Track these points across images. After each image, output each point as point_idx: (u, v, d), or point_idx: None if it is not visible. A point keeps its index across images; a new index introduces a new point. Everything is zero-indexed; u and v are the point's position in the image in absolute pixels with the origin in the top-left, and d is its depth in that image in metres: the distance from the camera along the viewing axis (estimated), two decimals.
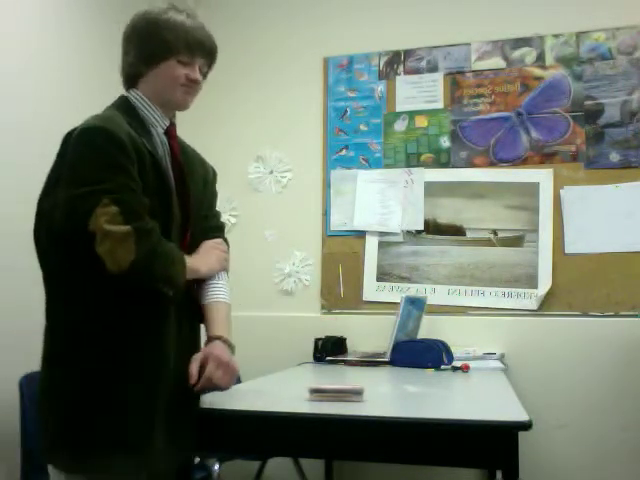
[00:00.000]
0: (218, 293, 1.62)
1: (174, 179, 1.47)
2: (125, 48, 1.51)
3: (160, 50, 1.45)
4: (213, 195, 1.68)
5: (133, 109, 1.47)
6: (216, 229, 1.66)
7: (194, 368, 1.39)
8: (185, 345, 1.45)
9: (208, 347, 1.46)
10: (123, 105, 1.47)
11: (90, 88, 2.61)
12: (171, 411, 1.36)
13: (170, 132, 1.52)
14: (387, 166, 2.99)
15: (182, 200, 1.47)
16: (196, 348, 1.50)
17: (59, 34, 2.52)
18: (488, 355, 2.53)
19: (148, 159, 1.37)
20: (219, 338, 1.48)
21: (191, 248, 1.51)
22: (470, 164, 2.90)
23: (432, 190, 2.92)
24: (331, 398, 1.48)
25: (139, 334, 1.34)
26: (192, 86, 1.49)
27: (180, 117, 3.47)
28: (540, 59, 2.86)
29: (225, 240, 1.70)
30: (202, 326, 1.56)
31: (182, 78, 1.46)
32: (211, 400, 1.53)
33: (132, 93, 1.50)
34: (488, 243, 2.83)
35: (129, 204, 1.29)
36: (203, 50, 1.49)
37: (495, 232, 2.83)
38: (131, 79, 1.50)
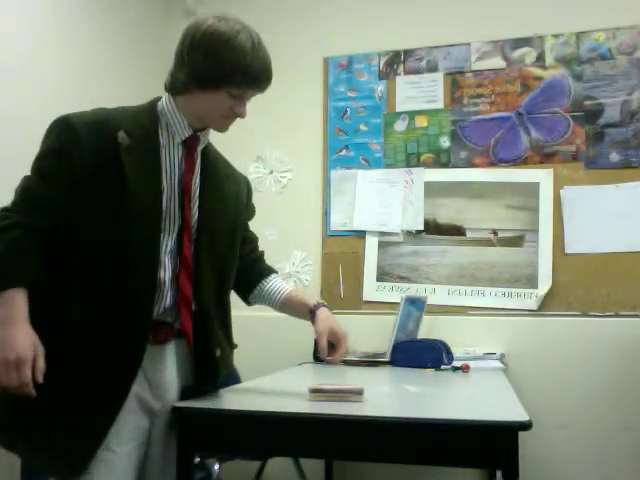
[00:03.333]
0: (280, 287, 1.78)
1: (183, 189, 1.46)
2: (177, 60, 1.44)
3: (214, 80, 1.39)
4: (250, 212, 1.72)
5: (155, 113, 1.46)
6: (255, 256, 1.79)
7: (324, 342, 1.56)
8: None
9: (324, 319, 1.65)
10: (147, 106, 1.48)
11: (91, 86, 2.62)
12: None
13: (188, 143, 1.48)
14: (387, 166, 2.99)
15: (182, 209, 1.46)
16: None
17: (59, 33, 2.52)
18: (488, 355, 2.53)
19: (110, 150, 1.36)
20: (322, 304, 1.67)
21: (199, 258, 1.50)
22: (470, 164, 2.90)
23: (432, 190, 2.92)
24: (331, 398, 1.48)
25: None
26: (233, 117, 1.46)
27: None
28: (540, 59, 2.86)
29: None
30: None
31: (226, 110, 1.43)
32: (211, 400, 1.54)
33: (165, 100, 1.48)
34: (488, 243, 2.83)
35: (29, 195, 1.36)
36: (258, 86, 1.44)
37: (495, 232, 2.83)
38: (175, 90, 1.46)
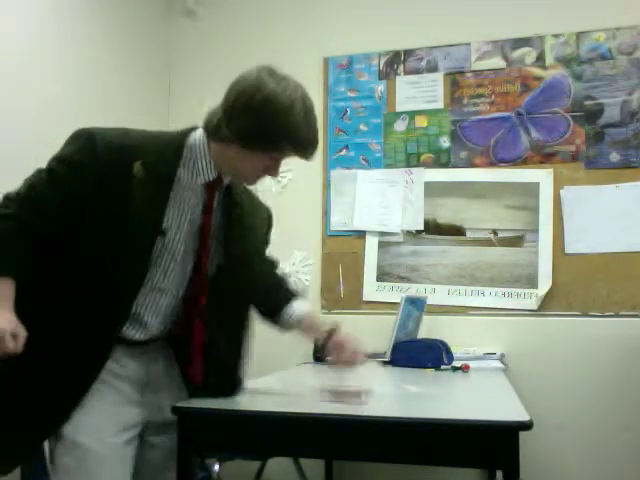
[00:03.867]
0: (294, 307, 1.72)
1: (205, 227, 1.45)
2: (228, 111, 1.36)
3: (262, 143, 1.36)
4: (265, 243, 1.72)
5: (182, 147, 1.43)
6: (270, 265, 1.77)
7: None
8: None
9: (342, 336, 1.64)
10: (177, 138, 1.45)
11: (91, 86, 2.62)
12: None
13: (210, 187, 1.45)
14: (387, 166, 2.99)
15: (198, 250, 1.46)
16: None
17: (59, 33, 2.52)
18: (488, 355, 2.53)
19: (122, 180, 1.35)
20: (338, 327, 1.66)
21: (220, 294, 1.51)
22: (470, 164, 2.90)
23: (432, 190, 2.92)
24: (341, 400, 1.46)
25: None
26: (264, 177, 1.44)
27: (179, 117, 3.46)
28: (540, 59, 2.86)
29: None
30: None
31: (262, 170, 1.42)
32: (211, 400, 1.53)
33: (198, 137, 1.44)
34: (488, 243, 2.83)
35: (34, 192, 1.36)
36: (305, 153, 1.42)
37: (495, 232, 2.83)
38: (213, 134, 1.41)
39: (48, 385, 1.36)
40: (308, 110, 1.37)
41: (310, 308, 1.76)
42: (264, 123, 1.34)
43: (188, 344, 1.48)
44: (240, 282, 1.53)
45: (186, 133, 1.45)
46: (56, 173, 1.37)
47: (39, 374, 1.35)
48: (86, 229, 1.36)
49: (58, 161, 1.39)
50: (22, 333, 1.30)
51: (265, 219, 1.70)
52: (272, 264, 1.78)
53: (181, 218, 1.43)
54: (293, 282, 3.02)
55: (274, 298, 1.71)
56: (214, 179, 1.44)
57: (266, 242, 1.73)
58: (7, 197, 1.37)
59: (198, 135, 1.44)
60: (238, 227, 1.53)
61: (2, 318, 1.28)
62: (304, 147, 1.39)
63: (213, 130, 1.40)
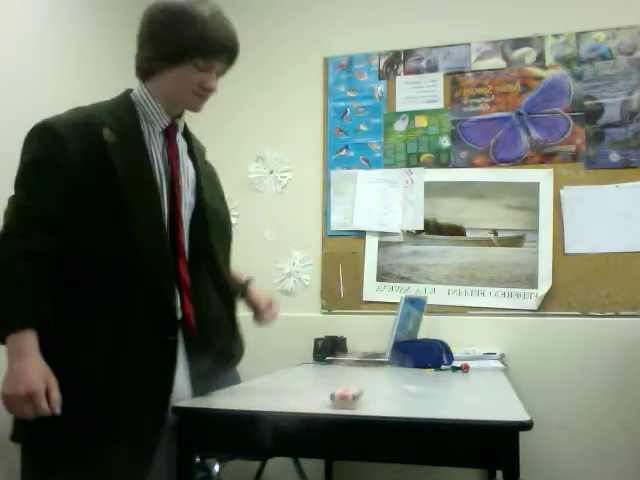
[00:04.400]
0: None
1: (168, 179, 1.44)
2: (140, 40, 1.42)
3: (177, 52, 1.37)
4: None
5: (131, 104, 1.44)
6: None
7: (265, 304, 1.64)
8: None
9: (257, 291, 1.67)
10: (121, 99, 1.46)
11: (90, 86, 2.61)
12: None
13: (168, 132, 1.47)
14: (387, 166, 2.99)
15: (171, 198, 1.44)
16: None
17: (59, 33, 2.51)
18: (488, 355, 2.53)
19: (97, 150, 1.33)
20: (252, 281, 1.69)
21: (202, 239, 1.51)
22: (470, 164, 2.90)
23: (432, 190, 2.92)
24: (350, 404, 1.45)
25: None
26: (204, 94, 1.43)
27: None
28: (540, 59, 2.86)
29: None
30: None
31: (196, 85, 1.40)
32: (211, 400, 1.54)
33: (138, 88, 1.46)
34: (488, 243, 2.83)
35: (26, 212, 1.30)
36: (224, 54, 1.42)
37: (495, 232, 2.83)
38: (143, 73, 1.44)
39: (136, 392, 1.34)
40: (214, 10, 1.40)
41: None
42: (170, 30, 1.36)
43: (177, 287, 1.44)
44: (216, 224, 1.55)
45: (127, 92, 1.47)
46: (30, 182, 1.32)
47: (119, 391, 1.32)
48: (87, 222, 1.33)
49: (25, 171, 1.34)
50: (54, 383, 1.25)
51: (214, 171, 1.72)
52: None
53: (159, 172, 1.43)
54: (293, 282, 3.05)
55: None
56: (169, 124, 1.45)
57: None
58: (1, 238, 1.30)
59: (137, 87, 1.46)
60: (202, 160, 1.57)
61: (30, 369, 1.23)
62: (217, 45, 1.39)
63: (140, 69, 1.44)
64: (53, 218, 1.31)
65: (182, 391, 1.49)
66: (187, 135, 1.58)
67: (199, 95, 1.43)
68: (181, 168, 1.48)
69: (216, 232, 1.54)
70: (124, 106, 1.44)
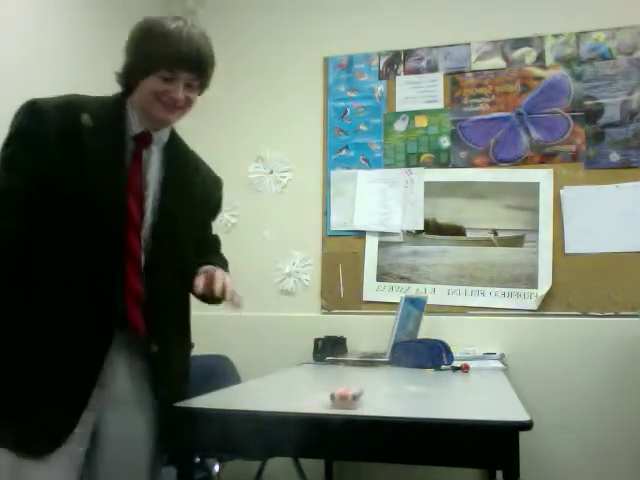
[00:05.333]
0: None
1: (131, 183, 1.44)
2: (124, 56, 1.49)
3: (142, 65, 1.43)
4: (210, 214, 1.70)
5: (122, 104, 1.48)
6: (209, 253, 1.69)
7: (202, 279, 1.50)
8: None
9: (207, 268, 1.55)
10: (114, 96, 1.50)
11: (90, 86, 2.61)
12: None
13: (140, 139, 1.48)
14: (387, 166, 2.99)
15: (137, 203, 1.44)
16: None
17: (59, 33, 2.51)
18: (488, 355, 2.53)
19: (72, 131, 1.38)
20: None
21: (157, 252, 1.48)
22: (470, 164, 2.90)
23: (432, 190, 2.92)
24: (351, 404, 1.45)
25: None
26: (172, 104, 1.44)
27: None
28: (540, 59, 2.86)
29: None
30: None
31: (160, 95, 1.43)
32: (211, 400, 1.54)
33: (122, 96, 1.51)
34: (488, 243, 2.83)
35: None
36: (187, 66, 1.42)
37: (495, 232, 2.83)
38: (123, 86, 1.50)
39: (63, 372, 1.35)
40: (182, 24, 1.43)
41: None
42: (138, 44, 1.44)
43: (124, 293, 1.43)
44: (178, 235, 1.52)
45: (119, 96, 1.51)
46: (8, 156, 1.38)
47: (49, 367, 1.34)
48: (52, 202, 1.35)
49: (6, 144, 1.39)
50: None
51: (217, 186, 1.70)
52: (215, 240, 1.77)
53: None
54: (293, 282, 3.05)
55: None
56: (142, 133, 1.47)
57: (213, 214, 1.73)
58: None
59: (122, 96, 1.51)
60: (178, 177, 1.54)
61: None
62: (182, 57, 1.41)
63: (122, 87, 1.50)
64: (21, 198, 1.35)
65: (124, 392, 1.47)
66: (173, 149, 1.56)
67: (166, 105, 1.45)
68: (146, 180, 1.48)
69: (168, 252, 1.50)
70: (113, 103, 1.48)
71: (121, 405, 1.45)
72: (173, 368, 1.52)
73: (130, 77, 1.46)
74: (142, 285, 1.44)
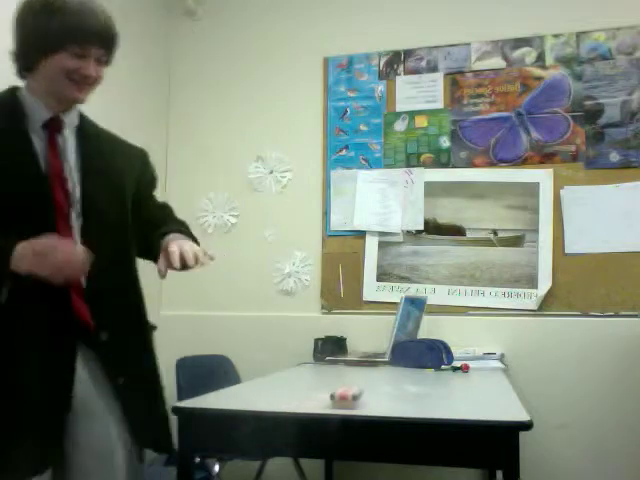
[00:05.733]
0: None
1: (53, 170, 1.39)
2: (14, 36, 1.39)
3: (50, 41, 1.34)
4: (147, 185, 1.63)
5: (15, 100, 1.40)
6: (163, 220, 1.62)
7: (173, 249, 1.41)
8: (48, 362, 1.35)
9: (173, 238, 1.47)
10: (4, 96, 1.42)
11: None
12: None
13: (50, 127, 1.41)
14: (387, 166, 2.99)
15: (63, 190, 1.39)
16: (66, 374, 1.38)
17: None
18: (488, 355, 2.53)
19: None
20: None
21: (90, 237, 1.41)
22: (470, 164, 2.90)
23: (432, 190, 2.92)
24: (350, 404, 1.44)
25: None
26: (84, 81, 1.39)
27: (179, 117, 3.46)
28: (540, 59, 2.86)
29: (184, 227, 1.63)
30: None
31: (72, 72, 1.37)
32: (211, 400, 1.54)
33: (20, 86, 1.43)
34: (488, 243, 2.83)
35: None
36: (99, 41, 1.38)
37: (495, 232, 2.83)
38: (22, 69, 1.41)
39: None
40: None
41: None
42: (39, 19, 1.34)
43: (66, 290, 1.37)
44: (106, 216, 1.45)
45: (11, 89, 1.44)
46: None
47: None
48: None
49: None
50: None
51: (138, 156, 1.63)
52: (163, 208, 1.68)
53: (44, 168, 1.38)
54: (293, 282, 3.05)
55: (156, 232, 1.57)
56: (52, 119, 1.41)
57: (151, 181, 1.66)
58: None
59: (20, 87, 1.43)
60: (96, 157, 1.48)
61: None
62: (92, 31, 1.36)
63: (19, 65, 1.41)
64: None
65: (87, 396, 1.41)
66: (85, 132, 1.50)
67: (77, 83, 1.39)
68: (67, 166, 1.43)
69: (101, 237, 1.44)
70: (8, 99, 1.41)
71: (88, 412, 1.39)
72: (129, 354, 1.46)
73: (30, 56, 1.38)
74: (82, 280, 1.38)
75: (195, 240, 1.59)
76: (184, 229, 1.62)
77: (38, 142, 1.39)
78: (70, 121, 1.46)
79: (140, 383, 1.47)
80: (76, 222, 1.41)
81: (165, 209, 1.70)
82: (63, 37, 1.34)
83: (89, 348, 1.41)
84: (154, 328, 1.59)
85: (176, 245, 1.44)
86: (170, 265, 1.42)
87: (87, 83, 1.40)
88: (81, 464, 1.39)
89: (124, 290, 1.50)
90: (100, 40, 1.39)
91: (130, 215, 1.53)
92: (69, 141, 1.46)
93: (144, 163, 1.65)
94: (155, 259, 1.50)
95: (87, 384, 1.40)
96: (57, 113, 1.42)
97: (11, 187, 1.32)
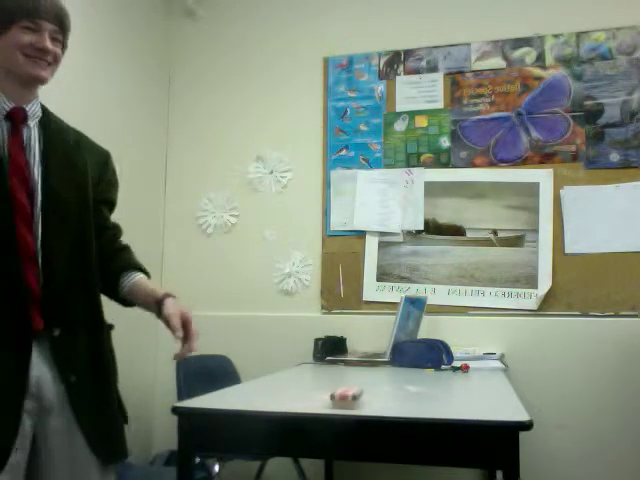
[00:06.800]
0: (132, 275, 1.54)
1: (14, 162, 1.35)
2: None
3: (0, 19, 1.33)
4: (108, 187, 1.58)
5: None
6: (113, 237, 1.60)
7: (177, 320, 1.42)
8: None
9: (173, 304, 1.47)
10: None
11: (90, 86, 2.61)
12: None
13: (13, 116, 1.37)
14: (387, 166, 2.99)
15: (25, 187, 1.36)
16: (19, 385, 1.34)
17: None
18: (488, 355, 2.53)
19: None
20: (170, 295, 1.49)
21: (50, 232, 1.39)
22: (470, 164, 2.90)
23: (432, 190, 2.92)
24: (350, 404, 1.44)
25: None
26: (41, 56, 1.36)
27: (180, 117, 3.46)
28: (540, 59, 2.86)
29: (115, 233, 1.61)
30: None
31: (28, 47, 1.34)
32: (211, 400, 1.54)
33: None
34: (488, 243, 2.83)
35: None
36: (48, 13, 1.35)
37: (495, 232, 2.83)
38: None
39: None
40: None
41: (144, 278, 1.55)
42: None
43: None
44: (68, 211, 1.42)
45: None
46: None
47: None
48: None
49: None
50: None
51: (101, 155, 1.58)
52: (115, 228, 1.63)
53: (3, 163, 1.34)
54: (293, 282, 3.05)
55: (111, 265, 1.55)
56: (14, 109, 1.38)
57: (112, 185, 1.60)
58: None
59: None
60: (58, 150, 1.44)
61: None
62: (41, 4, 1.34)
63: None
64: None
65: (52, 394, 1.39)
66: (48, 125, 1.46)
67: (36, 58, 1.36)
68: (30, 158, 1.39)
69: (62, 237, 1.42)
70: None
71: (52, 413, 1.38)
72: (79, 351, 1.43)
73: None
74: (39, 277, 1.36)
75: (148, 275, 1.58)
76: (142, 266, 1.59)
77: (0, 135, 1.36)
78: (33, 113, 1.43)
79: (91, 383, 1.44)
80: (37, 216, 1.37)
81: (117, 232, 1.63)
82: (12, 11, 1.33)
83: (43, 345, 1.38)
84: (111, 327, 1.55)
85: (191, 327, 1.46)
86: (191, 349, 1.45)
87: (44, 59, 1.37)
88: (56, 471, 1.38)
89: (81, 287, 1.46)
90: (49, 12, 1.37)
91: (92, 212, 1.49)
92: (33, 134, 1.42)
93: (105, 163, 1.59)
94: (115, 295, 1.53)
95: (49, 383, 1.38)
96: (20, 104, 1.39)
97: None
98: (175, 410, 1.45)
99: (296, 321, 2.97)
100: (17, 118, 1.38)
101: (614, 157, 2.73)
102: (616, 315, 2.66)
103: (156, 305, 1.49)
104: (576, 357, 2.66)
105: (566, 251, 2.74)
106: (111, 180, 1.61)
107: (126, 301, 1.56)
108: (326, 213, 3.04)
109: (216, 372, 2.64)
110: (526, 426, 1.24)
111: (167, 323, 1.45)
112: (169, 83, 3.30)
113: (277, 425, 1.39)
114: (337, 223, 3.02)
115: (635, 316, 2.63)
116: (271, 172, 3.14)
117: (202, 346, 2.96)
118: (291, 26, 3.19)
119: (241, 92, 3.22)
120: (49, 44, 1.37)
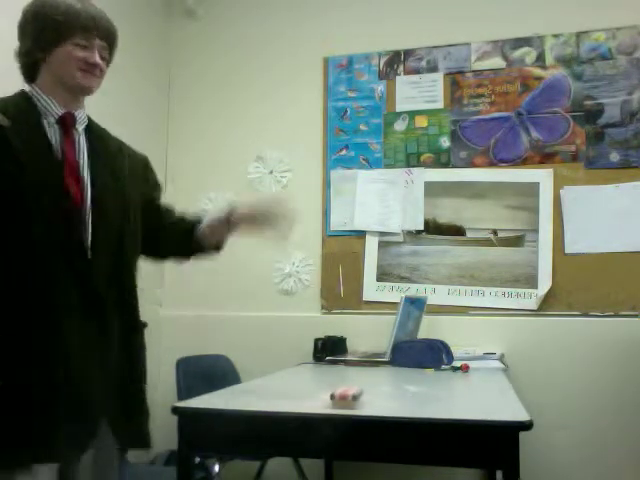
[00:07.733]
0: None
1: (69, 163, 1.42)
2: (19, 38, 1.47)
3: (54, 34, 1.41)
4: (152, 188, 1.69)
5: (28, 97, 1.45)
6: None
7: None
8: (88, 346, 1.39)
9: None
10: (16, 94, 1.46)
11: None
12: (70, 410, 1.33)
13: (64, 122, 1.44)
14: (387, 166, 2.99)
15: (78, 185, 1.42)
16: (107, 351, 1.43)
17: None
18: (488, 355, 2.53)
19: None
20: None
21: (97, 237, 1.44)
22: (470, 164, 2.90)
23: (432, 190, 2.92)
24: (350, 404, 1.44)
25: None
26: (91, 70, 1.45)
27: (179, 117, 3.46)
28: (540, 59, 2.86)
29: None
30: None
31: (80, 62, 1.43)
32: (211, 400, 1.54)
33: (29, 90, 1.46)
34: (488, 243, 2.83)
35: None
36: (100, 30, 1.45)
37: (495, 232, 2.83)
38: (29, 69, 1.46)
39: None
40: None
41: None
42: (42, 16, 1.43)
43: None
44: (110, 213, 1.48)
45: (22, 91, 1.48)
46: None
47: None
48: None
49: None
50: None
51: (141, 160, 1.67)
52: (170, 212, 1.75)
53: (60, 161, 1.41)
54: (293, 282, 3.04)
55: (183, 233, 1.72)
56: (65, 114, 1.45)
57: (155, 185, 1.71)
58: None
59: (29, 87, 1.47)
60: (103, 154, 1.51)
61: None
62: (93, 22, 1.44)
63: (26, 68, 1.47)
64: None
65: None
66: (93, 132, 1.54)
67: (85, 71, 1.44)
68: (81, 160, 1.46)
69: (99, 230, 1.46)
70: (20, 98, 1.45)
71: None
72: (113, 347, 1.48)
73: (37, 55, 1.43)
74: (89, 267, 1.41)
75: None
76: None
77: (53, 135, 1.43)
78: (81, 119, 1.50)
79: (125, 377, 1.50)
80: (87, 214, 1.43)
81: (172, 212, 1.75)
82: (71, 27, 1.42)
83: None
84: (145, 325, 1.60)
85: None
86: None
87: (94, 73, 1.46)
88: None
89: (124, 292, 1.52)
90: (102, 31, 1.46)
91: (135, 218, 1.56)
92: (82, 137, 1.49)
93: (147, 168, 1.70)
94: (187, 248, 1.74)
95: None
96: (70, 110, 1.46)
97: (29, 178, 1.34)
98: (175, 410, 1.45)
99: (296, 321, 2.97)
100: (68, 122, 1.46)
101: (614, 157, 2.73)
102: (616, 315, 2.66)
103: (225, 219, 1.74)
104: (576, 357, 2.66)
105: (566, 251, 2.74)
106: (155, 182, 1.73)
107: (202, 249, 1.77)
108: (326, 213, 3.04)
109: (216, 372, 2.64)
110: (526, 426, 1.24)
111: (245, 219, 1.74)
112: (169, 83, 3.30)
113: (277, 425, 1.39)
114: (337, 223, 3.02)
115: (635, 316, 2.63)
116: (271, 172, 3.14)
117: (202, 346, 2.97)
118: (291, 26, 3.19)
119: (241, 92, 3.22)
120: (98, 60, 1.46)
